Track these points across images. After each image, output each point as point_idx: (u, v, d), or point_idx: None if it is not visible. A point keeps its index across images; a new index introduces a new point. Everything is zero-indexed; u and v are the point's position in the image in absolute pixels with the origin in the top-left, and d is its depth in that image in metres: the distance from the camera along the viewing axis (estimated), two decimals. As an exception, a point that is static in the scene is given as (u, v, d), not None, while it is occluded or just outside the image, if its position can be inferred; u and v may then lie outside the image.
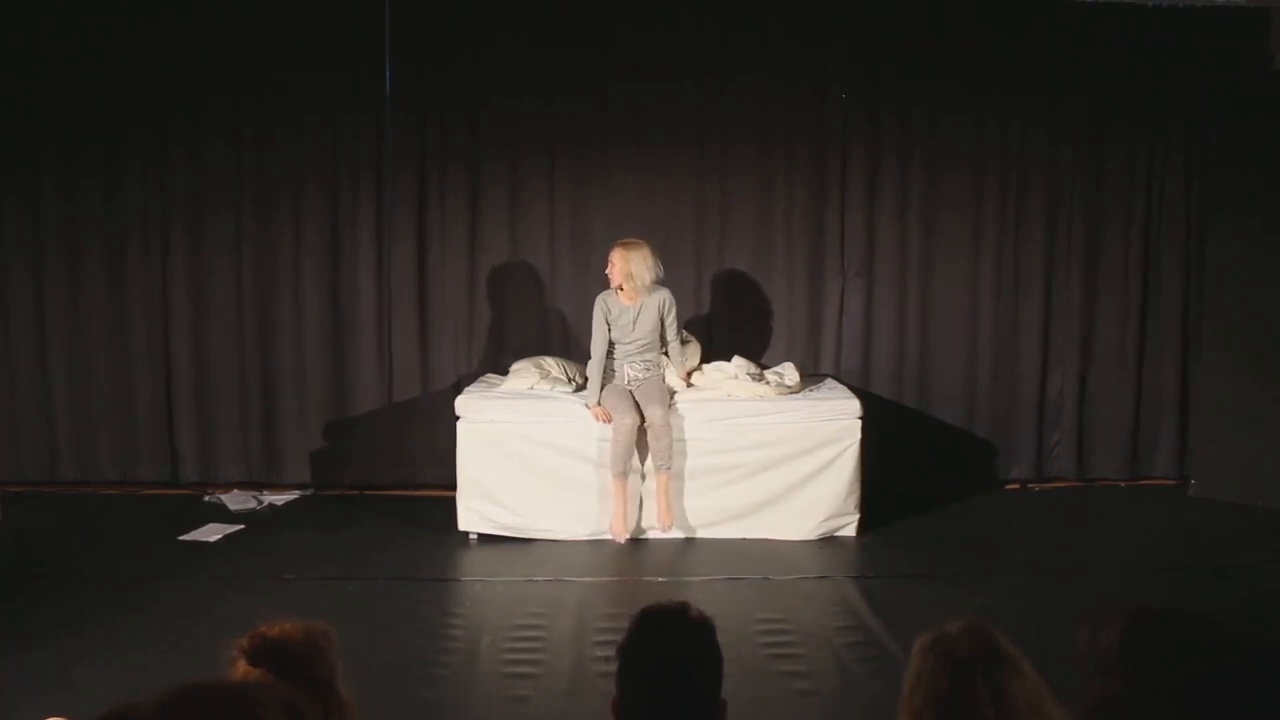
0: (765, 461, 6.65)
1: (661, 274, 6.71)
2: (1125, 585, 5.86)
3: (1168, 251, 7.82)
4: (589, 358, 6.83)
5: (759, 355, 7.51)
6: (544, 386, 6.95)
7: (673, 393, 6.74)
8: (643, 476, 6.61)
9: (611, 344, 6.73)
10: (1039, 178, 7.74)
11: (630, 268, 6.62)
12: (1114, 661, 2.21)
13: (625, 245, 6.70)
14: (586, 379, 7.14)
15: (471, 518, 6.62)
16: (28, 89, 7.35)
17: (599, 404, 6.61)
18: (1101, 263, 7.81)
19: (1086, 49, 7.61)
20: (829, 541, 6.64)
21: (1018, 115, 7.68)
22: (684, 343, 7.07)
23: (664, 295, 6.73)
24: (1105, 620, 2.26)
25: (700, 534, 6.66)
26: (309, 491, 7.63)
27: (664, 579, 6.07)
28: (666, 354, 6.87)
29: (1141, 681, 2.17)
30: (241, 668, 2.32)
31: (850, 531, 6.69)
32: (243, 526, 6.90)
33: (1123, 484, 7.89)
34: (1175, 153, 7.75)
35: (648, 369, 6.76)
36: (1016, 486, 7.86)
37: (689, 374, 6.95)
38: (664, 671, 2.32)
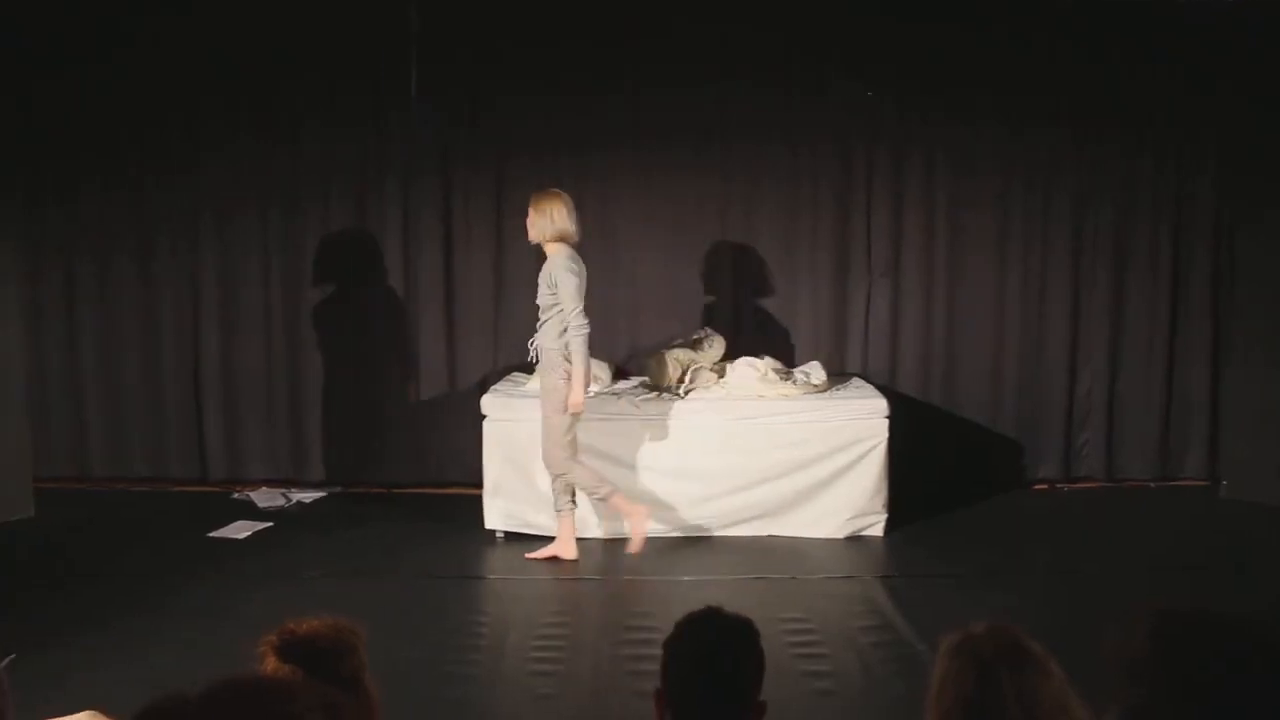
0: (791, 460, 6.64)
1: (566, 232, 6.04)
2: (1154, 586, 5.81)
3: (1197, 251, 7.75)
4: (612, 355, 6.84)
5: (785, 354, 7.50)
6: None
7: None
8: (585, 498, 6.45)
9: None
10: (1066, 177, 7.69)
11: (530, 218, 6.09)
12: (1142, 665, 2.20)
13: (535, 195, 6.19)
14: (611, 378, 7.18)
15: (498, 516, 6.64)
16: (59, 91, 7.42)
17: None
18: (1130, 262, 7.75)
19: (1114, 47, 7.55)
20: (855, 541, 6.63)
21: (1044, 114, 7.62)
22: (704, 338, 7.09)
23: (552, 260, 6.03)
24: (1133, 622, 2.24)
25: (726, 533, 6.65)
26: (336, 489, 7.68)
27: (689, 578, 6.06)
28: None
29: (1170, 685, 2.15)
30: (271, 663, 2.33)
31: (877, 531, 6.67)
32: (271, 524, 6.95)
33: (1152, 485, 7.82)
34: (1205, 152, 7.68)
35: (542, 345, 6.13)
36: (1044, 487, 7.82)
37: (682, 378, 6.68)
38: (709, 666, 2.42)
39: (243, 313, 7.69)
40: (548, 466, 6.21)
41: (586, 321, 6.01)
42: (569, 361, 6.03)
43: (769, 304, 7.78)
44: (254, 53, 7.42)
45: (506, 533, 6.64)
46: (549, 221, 6.05)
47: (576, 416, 6.16)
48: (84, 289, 7.66)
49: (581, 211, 7.62)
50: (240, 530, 6.79)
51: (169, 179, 7.59)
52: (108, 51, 7.40)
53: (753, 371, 6.94)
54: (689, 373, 6.94)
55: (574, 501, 6.30)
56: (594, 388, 6.94)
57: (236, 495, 7.50)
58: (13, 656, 2.47)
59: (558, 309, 6.01)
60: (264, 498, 7.42)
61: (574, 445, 6.20)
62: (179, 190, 7.60)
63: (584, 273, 6.15)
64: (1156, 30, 7.50)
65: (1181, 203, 7.72)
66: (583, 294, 6.09)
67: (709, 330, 7.25)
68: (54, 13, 7.33)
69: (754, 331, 7.69)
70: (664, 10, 7.44)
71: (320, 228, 7.65)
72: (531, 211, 6.12)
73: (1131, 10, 7.45)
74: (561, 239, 6.07)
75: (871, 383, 7.29)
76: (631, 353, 7.64)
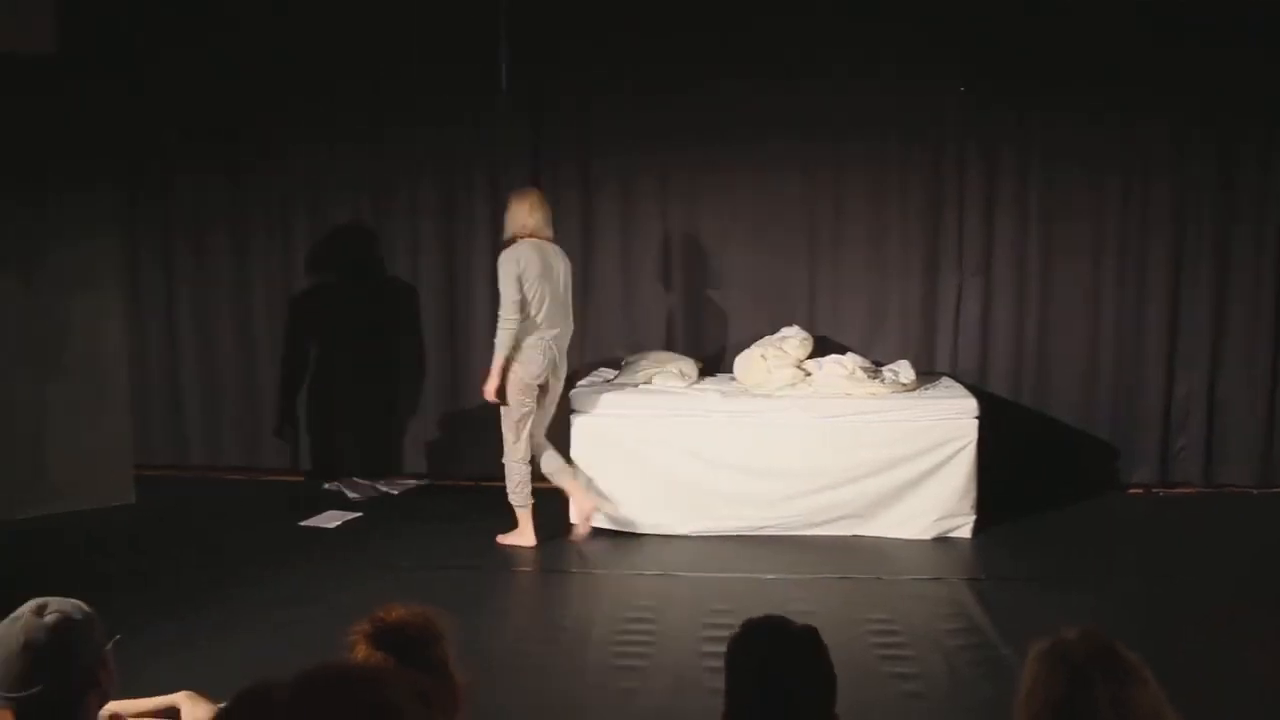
0: (879, 460, 6.57)
1: (527, 228, 6.26)
2: (1251, 596, 5.65)
3: (1304, 251, 7.52)
4: (693, 353, 6.97)
5: (874, 353, 7.43)
6: (657, 381, 6.97)
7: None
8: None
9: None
10: (1165, 175, 7.49)
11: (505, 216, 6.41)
12: None
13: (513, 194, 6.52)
14: (698, 375, 7.16)
15: (583, 511, 6.68)
16: (156, 84, 7.61)
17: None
18: (1232, 263, 7.51)
19: (1214, 40, 7.32)
20: (942, 542, 6.55)
21: (1143, 110, 7.43)
22: (791, 336, 7.04)
23: (501, 255, 6.29)
24: None
25: (811, 532, 6.60)
26: (425, 481, 7.78)
27: (773, 576, 6.04)
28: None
29: None
30: (363, 651, 2.37)
31: (965, 533, 6.58)
32: (360, 514, 7.07)
33: (1254, 491, 7.59)
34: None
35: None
36: (1139, 491, 7.63)
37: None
38: (765, 681, 2.33)
39: (335, 305, 7.83)
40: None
41: (516, 318, 6.18)
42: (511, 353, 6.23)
43: (857, 302, 7.71)
44: (344, 49, 7.54)
45: (592, 527, 6.67)
46: (511, 219, 6.35)
47: (525, 416, 6.32)
48: (181, 281, 7.87)
49: (667, 208, 7.68)
50: (331, 520, 6.91)
51: (262, 174, 7.77)
52: (204, 45, 7.57)
53: (840, 369, 6.89)
54: (772, 368, 6.92)
55: (571, 465, 6.51)
56: (677, 384, 6.96)
57: (327, 485, 7.63)
58: (118, 637, 2.55)
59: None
60: (354, 489, 7.54)
61: (525, 441, 6.37)
62: (273, 185, 7.78)
63: (549, 269, 6.29)
64: (1258, 22, 7.26)
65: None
66: (547, 291, 6.24)
67: (796, 328, 7.21)
68: (160, 5, 7.56)
69: (842, 329, 7.63)
70: (745, 6, 7.41)
71: (409, 222, 7.76)
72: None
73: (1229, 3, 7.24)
74: (525, 235, 6.28)
75: (961, 382, 7.20)
76: (718, 350, 7.63)
